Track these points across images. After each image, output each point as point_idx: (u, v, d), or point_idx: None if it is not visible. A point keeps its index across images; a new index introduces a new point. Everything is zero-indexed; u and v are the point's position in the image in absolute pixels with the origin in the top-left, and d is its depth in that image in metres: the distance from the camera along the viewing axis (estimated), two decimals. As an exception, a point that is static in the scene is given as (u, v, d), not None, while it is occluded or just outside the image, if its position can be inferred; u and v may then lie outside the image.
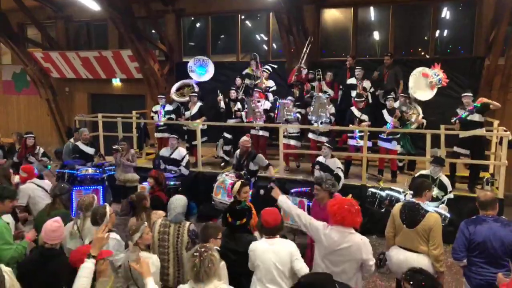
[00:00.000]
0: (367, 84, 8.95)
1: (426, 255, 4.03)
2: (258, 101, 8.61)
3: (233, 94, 9.19)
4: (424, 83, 7.90)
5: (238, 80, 9.91)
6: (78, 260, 2.99)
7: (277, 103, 8.62)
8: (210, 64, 10.39)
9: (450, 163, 7.34)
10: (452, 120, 7.32)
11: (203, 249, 2.81)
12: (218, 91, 9.40)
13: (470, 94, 7.30)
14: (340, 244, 3.52)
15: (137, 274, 3.28)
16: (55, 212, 4.25)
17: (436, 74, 7.88)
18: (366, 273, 3.68)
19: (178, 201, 4.15)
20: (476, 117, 7.15)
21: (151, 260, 3.42)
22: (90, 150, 8.16)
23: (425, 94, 7.95)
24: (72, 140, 8.60)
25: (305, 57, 9.38)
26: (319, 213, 4.58)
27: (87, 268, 2.93)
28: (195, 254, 2.79)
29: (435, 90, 7.97)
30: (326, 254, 3.58)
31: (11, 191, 3.96)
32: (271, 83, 9.66)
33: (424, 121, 7.91)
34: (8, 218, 4.15)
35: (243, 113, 8.93)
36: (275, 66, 9.95)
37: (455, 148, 7.38)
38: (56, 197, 4.51)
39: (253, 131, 8.81)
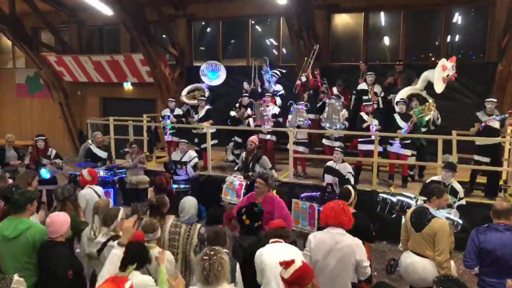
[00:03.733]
0: (377, 89, 8.94)
1: (433, 260, 4.02)
2: (268, 106, 8.63)
3: (246, 100, 9.20)
4: (441, 75, 7.73)
5: (246, 85, 9.93)
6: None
7: (292, 107, 8.59)
8: (222, 69, 10.45)
9: (472, 170, 7.28)
10: (479, 125, 7.12)
11: (212, 252, 2.79)
12: (236, 105, 9.30)
13: (495, 100, 7.14)
14: (332, 246, 3.51)
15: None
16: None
17: (453, 67, 7.76)
18: (362, 277, 3.65)
19: (191, 203, 4.17)
20: (497, 124, 7.05)
21: (166, 256, 3.49)
22: (103, 154, 8.23)
23: (440, 86, 7.79)
24: (90, 141, 8.71)
25: (310, 64, 9.35)
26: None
27: (114, 255, 3.06)
28: (204, 257, 2.76)
29: (445, 84, 7.84)
30: (316, 261, 3.55)
31: (27, 197, 3.85)
32: (278, 87, 9.68)
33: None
34: (35, 218, 4.21)
35: (251, 120, 8.95)
36: (284, 71, 9.97)
37: (475, 157, 7.23)
38: (65, 200, 4.50)
39: (261, 135, 8.83)
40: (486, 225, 3.92)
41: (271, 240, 3.57)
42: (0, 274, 3.01)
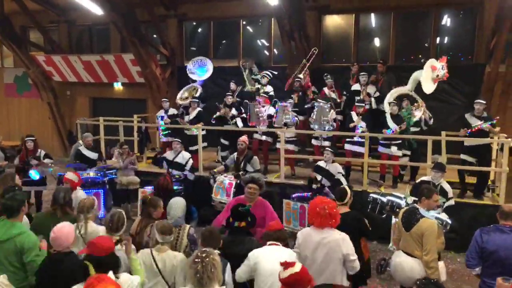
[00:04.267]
0: (371, 89, 8.99)
1: (421, 260, 4.05)
2: (263, 106, 8.64)
3: (230, 99, 9.17)
4: (430, 76, 7.73)
5: (233, 85, 9.92)
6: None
7: (276, 106, 8.62)
8: (208, 62, 10.45)
9: (459, 170, 7.34)
10: (464, 131, 7.08)
11: (204, 254, 2.77)
12: (217, 103, 9.29)
13: (483, 102, 7.17)
14: (319, 241, 3.60)
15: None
16: (65, 218, 4.22)
17: (443, 67, 7.80)
18: (351, 271, 3.72)
19: (178, 204, 4.14)
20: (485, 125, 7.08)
21: (180, 257, 3.50)
22: (92, 155, 8.16)
23: (429, 87, 7.77)
24: (80, 141, 8.62)
25: (306, 66, 9.39)
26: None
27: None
28: (196, 260, 2.74)
29: (436, 84, 7.84)
30: (305, 256, 3.59)
31: (19, 200, 3.79)
32: (269, 88, 9.68)
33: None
34: (25, 219, 4.19)
35: (239, 120, 8.91)
36: (275, 73, 9.98)
37: (462, 156, 7.30)
38: (65, 205, 4.39)
39: (256, 136, 8.84)
40: (491, 225, 3.92)
41: (268, 243, 3.54)
42: None
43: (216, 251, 3.06)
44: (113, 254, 2.98)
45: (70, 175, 5.64)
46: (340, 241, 3.61)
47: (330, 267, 3.59)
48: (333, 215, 3.65)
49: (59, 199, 4.35)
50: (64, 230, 3.39)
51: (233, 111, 9.04)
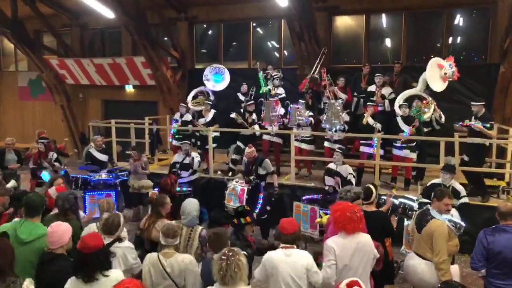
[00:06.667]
0: (386, 91, 8.88)
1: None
2: (273, 108, 8.63)
3: (253, 106, 9.09)
4: (438, 74, 7.67)
5: (245, 86, 9.90)
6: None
7: (289, 108, 8.60)
8: (226, 72, 10.33)
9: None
10: (457, 125, 7.15)
11: (230, 253, 2.79)
12: (235, 113, 9.05)
13: (477, 103, 6.98)
14: (355, 246, 3.54)
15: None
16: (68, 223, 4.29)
17: (451, 66, 7.69)
18: (373, 268, 3.77)
19: (192, 205, 4.19)
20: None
21: (188, 260, 3.52)
22: (103, 157, 8.22)
23: (438, 85, 7.71)
24: (92, 144, 8.71)
25: (318, 67, 9.34)
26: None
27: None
28: (222, 257, 2.78)
29: (446, 83, 7.77)
30: (345, 265, 3.51)
31: (41, 199, 3.88)
32: (280, 90, 9.65)
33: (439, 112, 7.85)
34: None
35: (257, 126, 8.87)
36: (279, 74, 9.90)
37: (464, 157, 7.22)
38: (67, 210, 4.41)
39: (265, 137, 8.80)
40: (493, 226, 3.91)
41: (282, 245, 3.44)
42: (13, 277, 2.93)
43: (243, 252, 3.02)
44: (98, 254, 2.96)
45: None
46: (371, 242, 3.64)
47: (364, 268, 3.57)
48: (362, 218, 3.64)
49: (60, 206, 4.40)
50: (61, 227, 3.39)
51: (253, 116, 8.94)
